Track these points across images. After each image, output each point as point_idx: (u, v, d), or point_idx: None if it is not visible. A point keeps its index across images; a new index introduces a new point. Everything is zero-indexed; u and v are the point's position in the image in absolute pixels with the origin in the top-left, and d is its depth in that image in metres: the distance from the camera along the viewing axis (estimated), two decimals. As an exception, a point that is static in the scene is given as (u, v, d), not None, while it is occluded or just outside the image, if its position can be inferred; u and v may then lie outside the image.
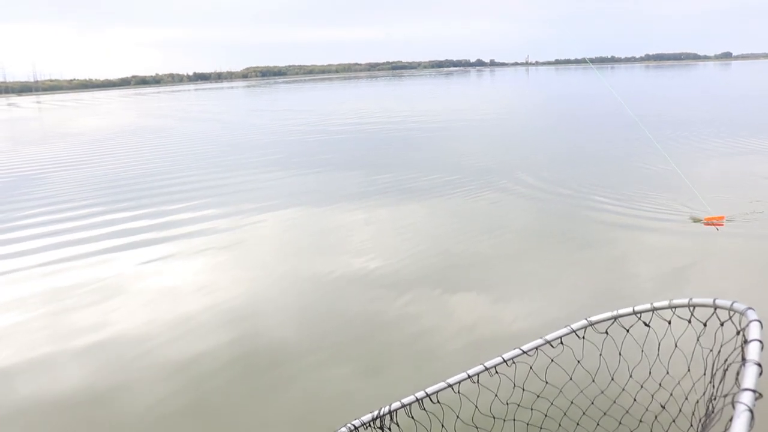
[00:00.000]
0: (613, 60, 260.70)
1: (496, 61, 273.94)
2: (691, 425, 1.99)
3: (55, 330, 6.05)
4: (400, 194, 11.16)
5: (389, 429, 2.38)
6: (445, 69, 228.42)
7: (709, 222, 8.35)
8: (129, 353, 5.46)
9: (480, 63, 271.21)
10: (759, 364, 1.34)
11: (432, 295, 6.33)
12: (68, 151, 21.70)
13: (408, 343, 5.33)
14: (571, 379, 2.53)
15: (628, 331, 2.17)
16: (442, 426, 2.53)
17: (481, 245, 7.94)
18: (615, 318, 2.16)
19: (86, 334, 5.88)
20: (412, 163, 14.69)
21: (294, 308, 6.22)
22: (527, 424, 2.62)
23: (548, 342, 2.24)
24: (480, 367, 2.28)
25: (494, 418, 2.53)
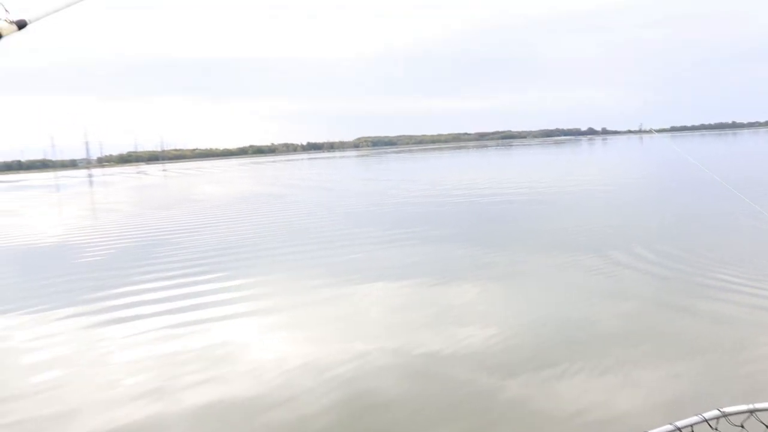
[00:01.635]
0: (735, 126, 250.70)
1: (608, 129, 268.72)
2: None
3: (165, 391, 6.19)
4: (509, 266, 11.00)
5: None
6: (556, 138, 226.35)
7: None
8: (235, 416, 5.53)
9: (591, 131, 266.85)
10: None
11: (546, 376, 6.09)
12: (189, 217, 22.78)
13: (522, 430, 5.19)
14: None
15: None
16: None
17: (597, 322, 7.59)
18: (752, 412, 1.99)
19: (195, 396, 6.01)
20: (521, 233, 14.55)
21: (399, 385, 6.08)
22: None
23: (678, 429, 1.97)
24: None
25: None
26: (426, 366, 6.48)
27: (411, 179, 38.29)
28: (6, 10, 1.31)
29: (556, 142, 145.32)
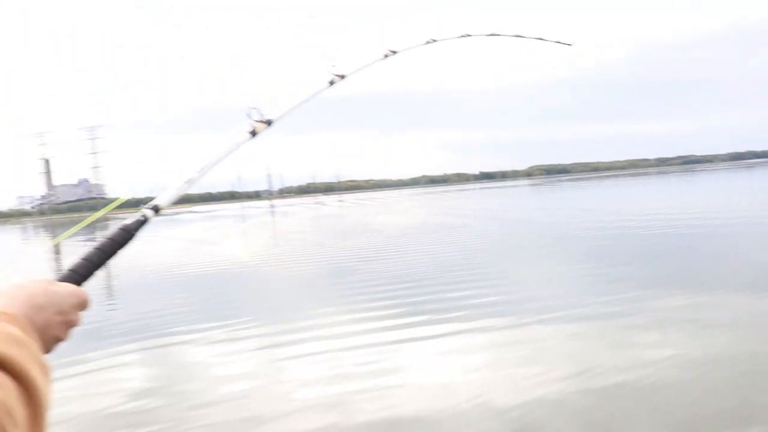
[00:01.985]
0: None
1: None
2: None
3: (336, 410, 6.38)
4: (707, 311, 10.28)
5: None
6: (747, 161, 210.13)
7: None
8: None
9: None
10: None
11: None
12: (367, 246, 23.44)
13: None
14: None
15: None
16: None
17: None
18: None
19: (364, 416, 6.19)
20: (711, 274, 13.56)
21: (574, 424, 5.90)
22: None
23: None
24: None
25: None
26: (608, 418, 6.06)
27: (587, 209, 37.05)
28: (261, 114, 1.59)
29: (748, 166, 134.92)
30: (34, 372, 0.77)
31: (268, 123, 1.59)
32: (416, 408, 6.30)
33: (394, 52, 2.01)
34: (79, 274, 1.10)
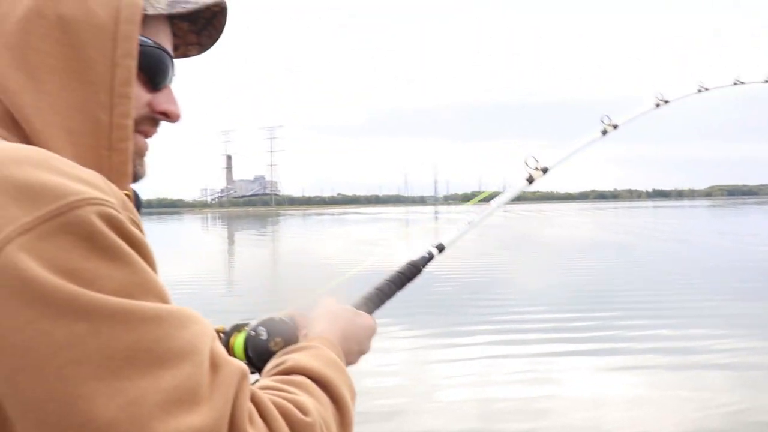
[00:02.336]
0: None
1: None
2: None
3: (481, 417, 6.32)
4: None
5: None
6: None
7: None
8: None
9: None
10: None
11: None
12: (533, 259, 23.10)
13: None
14: None
15: None
16: None
17: None
18: None
19: (508, 425, 6.16)
20: None
21: None
22: None
23: None
24: None
25: None
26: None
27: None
28: (537, 161, 1.69)
29: None
30: (347, 396, 0.84)
31: (544, 171, 1.68)
32: (568, 424, 6.17)
33: (666, 102, 2.01)
34: (372, 303, 1.20)
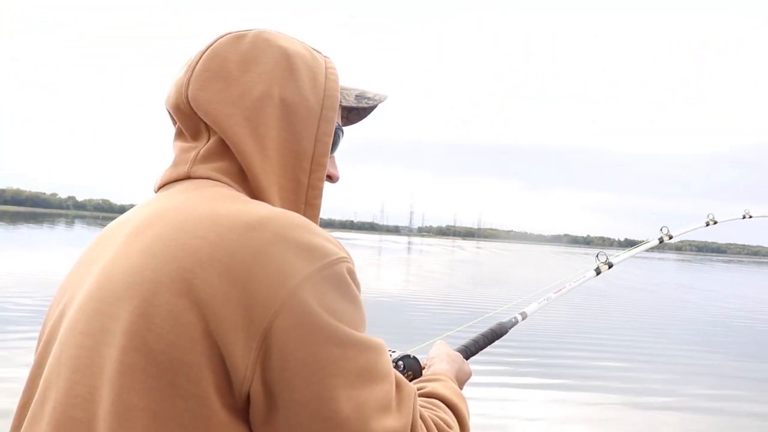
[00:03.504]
0: None
1: None
2: None
3: None
4: None
5: None
6: None
7: None
8: None
9: None
10: None
11: None
12: (509, 295, 23.17)
13: None
14: None
15: None
16: None
17: None
18: None
19: None
20: None
21: None
22: None
23: None
24: None
25: None
26: None
27: (740, 295, 34.81)
28: (606, 257, 2.13)
29: None
30: (468, 422, 1.08)
31: (610, 265, 2.04)
32: None
33: (670, 237, 2.37)
34: (470, 352, 1.49)
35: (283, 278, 0.81)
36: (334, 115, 1.02)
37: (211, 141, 0.97)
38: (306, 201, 1.00)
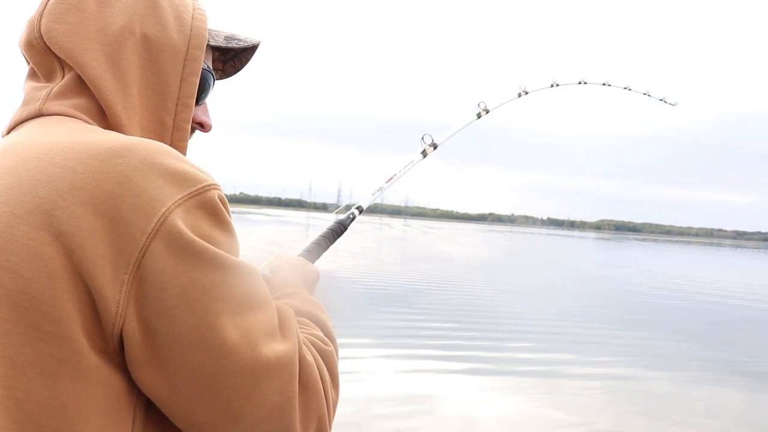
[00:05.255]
0: None
1: None
2: None
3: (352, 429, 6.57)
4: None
5: None
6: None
7: None
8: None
9: None
10: None
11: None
12: (437, 273, 23.55)
13: None
14: None
15: None
16: None
17: None
18: None
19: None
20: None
21: None
22: None
23: None
24: None
25: None
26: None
27: (652, 270, 36.29)
28: (432, 139, 2.02)
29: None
30: (332, 330, 1.06)
31: (435, 146, 2.00)
32: None
33: (487, 111, 2.27)
34: (313, 255, 1.46)
35: (153, 205, 0.77)
36: (201, 54, 0.97)
37: (66, 77, 0.91)
38: (171, 143, 0.94)
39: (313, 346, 0.94)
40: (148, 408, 0.81)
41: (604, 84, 2.77)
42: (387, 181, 1.92)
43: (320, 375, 0.91)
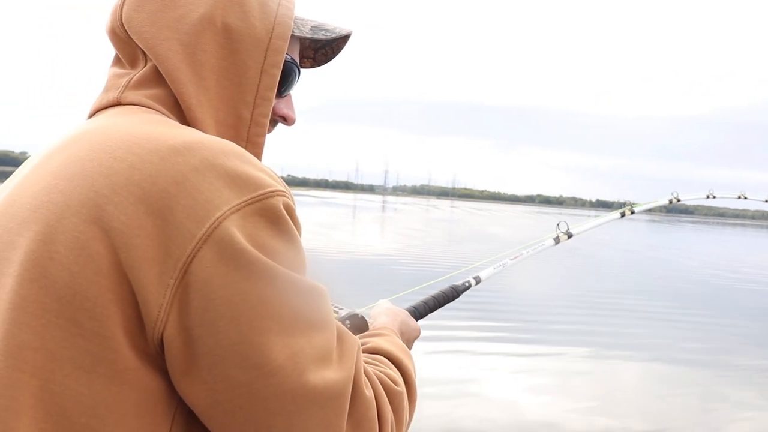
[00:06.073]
0: None
1: None
2: None
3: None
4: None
5: None
6: None
7: None
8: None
9: None
10: None
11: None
12: (483, 255, 23.46)
13: None
14: None
15: None
16: None
17: None
18: None
19: (422, 420, 6.21)
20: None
21: None
22: None
23: None
24: None
25: None
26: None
27: (703, 252, 35.51)
28: (567, 227, 2.13)
29: None
30: (414, 376, 1.03)
31: (569, 236, 2.09)
32: (482, 416, 6.36)
33: (632, 212, 2.41)
34: (419, 313, 1.48)
35: (207, 208, 0.73)
36: (285, 45, 0.93)
37: (146, 67, 0.89)
38: (248, 138, 0.91)
39: (380, 382, 0.89)
40: (189, 415, 0.78)
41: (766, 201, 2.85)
42: (512, 259, 1.97)
43: (379, 414, 0.85)
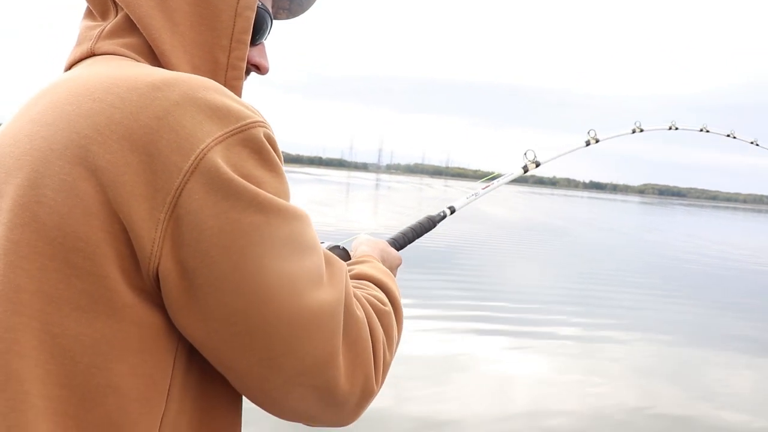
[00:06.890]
0: None
1: None
2: None
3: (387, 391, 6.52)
4: None
5: None
6: None
7: None
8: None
9: None
10: None
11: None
12: (482, 235, 23.52)
13: None
14: None
15: None
16: None
17: None
18: None
19: (412, 405, 6.13)
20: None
21: None
22: None
23: None
24: None
25: None
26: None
27: (698, 236, 35.70)
28: (534, 155, 2.03)
29: None
30: (399, 297, 1.05)
31: (537, 164, 2.02)
32: (474, 401, 6.29)
33: (597, 141, 2.27)
34: (399, 244, 1.48)
35: (191, 141, 0.73)
36: None
37: (118, 17, 0.88)
38: (225, 82, 0.90)
39: (369, 303, 0.92)
40: (191, 350, 0.79)
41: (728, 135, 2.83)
42: (483, 188, 1.95)
43: (371, 333, 0.88)
